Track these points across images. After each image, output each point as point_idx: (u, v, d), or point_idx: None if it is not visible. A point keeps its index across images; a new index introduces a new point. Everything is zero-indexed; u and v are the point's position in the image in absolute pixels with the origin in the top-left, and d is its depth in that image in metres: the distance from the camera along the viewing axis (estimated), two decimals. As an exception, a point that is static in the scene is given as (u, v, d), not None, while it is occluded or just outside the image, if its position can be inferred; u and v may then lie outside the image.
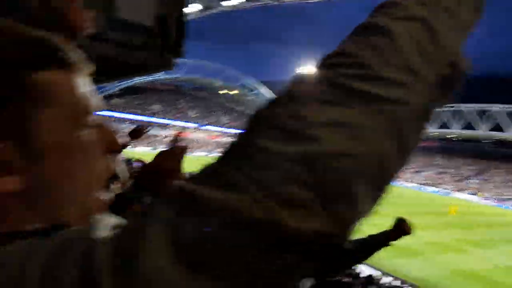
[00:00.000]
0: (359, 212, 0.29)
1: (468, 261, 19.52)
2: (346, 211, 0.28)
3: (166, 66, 2.23)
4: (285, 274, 0.27)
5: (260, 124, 0.30)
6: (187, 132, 63.56)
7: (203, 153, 59.15)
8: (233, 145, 0.30)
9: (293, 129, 0.28)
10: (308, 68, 43.43)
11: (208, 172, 0.30)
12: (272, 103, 0.31)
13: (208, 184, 0.28)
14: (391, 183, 0.31)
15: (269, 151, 0.28)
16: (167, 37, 2.09)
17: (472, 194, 53.41)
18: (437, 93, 0.32)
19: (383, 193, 0.31)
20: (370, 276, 10.60)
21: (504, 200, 50.41)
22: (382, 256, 13.51)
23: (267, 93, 79.87)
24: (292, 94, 0.31)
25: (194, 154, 55.90)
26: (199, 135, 68.76)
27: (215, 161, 0.30)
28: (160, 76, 55.59)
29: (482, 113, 58.82)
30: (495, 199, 50.86)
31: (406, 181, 62.16)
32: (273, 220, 0.26)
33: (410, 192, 52.82)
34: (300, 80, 0.32)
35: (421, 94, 0.31)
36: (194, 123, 70.10)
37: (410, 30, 0.32)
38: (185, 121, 67.74)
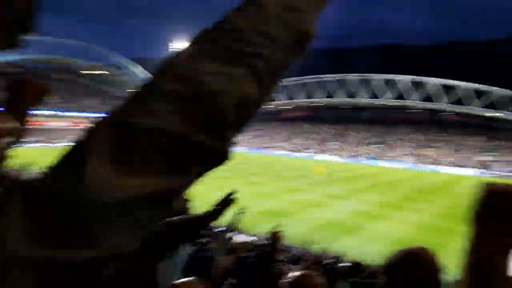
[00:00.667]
0: (230, 132, 0.39)
1: (329, 213, 22.50)
2: (226, 133, 0.38)
3: (11, 44, 1.84)
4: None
5: (163, 74, 0.38)
6: (45, 121, 55.00)
7: (66, 144, 53.44)
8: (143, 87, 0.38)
9: (188, 76, 0.37)
10: (181, 43, 42.09)
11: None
12: (177, 57, 0.40)
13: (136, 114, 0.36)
14: (254, 115, 0.42)
15: (168, 92, 0.36)
16: (12, 9, 1.71)
17: (334, 155, 61.24)
18: (291, 53, 0.43)
19: (249, 119, 0.41)
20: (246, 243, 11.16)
21: (357, 156, 59.37)
22: (254, 222, 14.39)
23: (140, 72, 75.01)
24: (188, 52, 0.40)
25: (56, 145, 49.81)
26: (60, 124, 61.35)
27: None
28: (6, 57, 47.14)
29: (341, 82, 66.99)
30: (351, 156, 59.45)
31: (277, 149, 67.49)
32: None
33: (280, 159, 57.64)
34: (198, 37, 0.41)
35: (278, 54, 0.41)
36: (54, 110, 58.77)
37: (276, 4, 0.42)
38: (41, 109, 58.21)
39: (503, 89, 52.13)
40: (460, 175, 46.44)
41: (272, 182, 31.99)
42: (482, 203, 0.74)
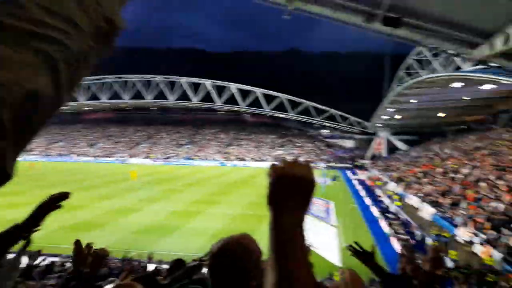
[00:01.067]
0: (8, 143, 0.29)
1: (146, 216, 21.56)
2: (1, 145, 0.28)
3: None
4: None
5: None
6: None
7: None
8: None
9: None
10: None
11: None
12: None
13: None
14: (50, 116, 0.32)
15: None
16: None
17: (145, 157, 59.50)
18: (95, 42, 0.36)
19: (40, 124, 0.32)
20: (50, 264, 9.28)
21: (170, 158, 59.55)
22: (57, 239, 12.17)
23: None
24: None
25: None
26: None
27: None
28: None
29: (147, 83, 65.17)
30: (163, 158, 59.10)
31: (81, 155, 60.81)
32: None
33: (86, 165, 52.12)
34: None
35: (78, 41, 0.33)
36: None
37: None
38: None
39: (285, 94, 62.32)
40: (261, 167, 53.00)
41: (79, 192, 28.30)
42: (269, 185, 0.80)
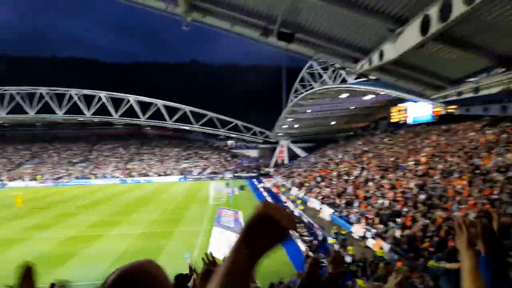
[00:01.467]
0: None
1: (33, 247, 19.01)
2: None
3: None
4: None
5: None
6: None
7: None
8: None
9: None
10: None
11: None
12: None
13: None
14: None
15: None
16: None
17: (31, 180, 52.54)
18: None
19: None
20: None
21: (61, 178, 53.58)
22: None
23: None
24: None
25: None
26: None
27: None
28: None
29: (30, 96, 57.60)
30: (52, 179, 52.89)
31: None
32: None
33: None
34: None
35: None
36: None
37: None
38: None
39: (188, 106, 61.36)
40: (166, 182, 51.23)
41: None
42: (253, 216, 0.83)
